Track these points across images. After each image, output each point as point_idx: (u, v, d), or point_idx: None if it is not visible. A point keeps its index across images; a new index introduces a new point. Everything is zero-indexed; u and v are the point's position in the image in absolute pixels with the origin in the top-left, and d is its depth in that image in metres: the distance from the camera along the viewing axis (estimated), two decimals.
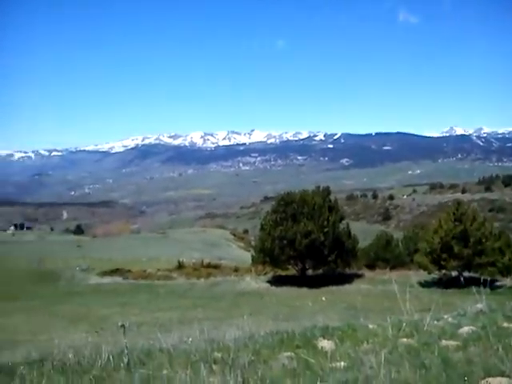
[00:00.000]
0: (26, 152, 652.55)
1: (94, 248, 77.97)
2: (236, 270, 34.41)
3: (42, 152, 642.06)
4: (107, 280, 32.32)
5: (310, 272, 29.83)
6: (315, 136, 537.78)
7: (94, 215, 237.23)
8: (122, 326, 4.19)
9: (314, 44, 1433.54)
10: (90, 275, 35.18)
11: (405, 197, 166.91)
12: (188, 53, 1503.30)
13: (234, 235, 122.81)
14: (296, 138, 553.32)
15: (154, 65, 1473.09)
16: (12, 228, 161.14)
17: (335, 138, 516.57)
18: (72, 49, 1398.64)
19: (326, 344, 4.83)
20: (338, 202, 32.36)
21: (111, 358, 4.17)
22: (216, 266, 37.22)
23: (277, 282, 28.18)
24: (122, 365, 4.04)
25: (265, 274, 31.61)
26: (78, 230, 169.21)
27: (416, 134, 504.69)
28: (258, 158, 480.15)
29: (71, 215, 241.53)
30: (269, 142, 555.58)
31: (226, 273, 33.33)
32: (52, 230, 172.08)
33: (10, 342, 11.03)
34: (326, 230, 27.47)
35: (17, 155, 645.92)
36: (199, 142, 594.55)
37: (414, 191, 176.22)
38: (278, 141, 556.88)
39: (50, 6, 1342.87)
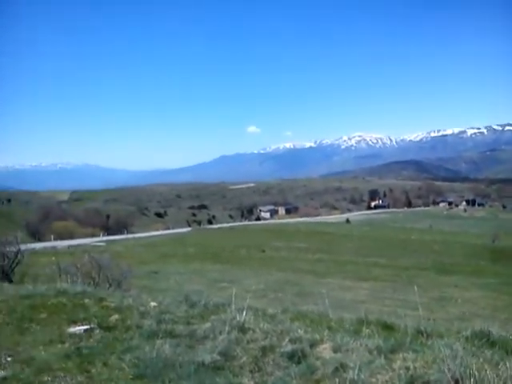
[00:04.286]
0: (478, 128, 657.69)
1: None
2: None
3: (495, 127, 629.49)
4: None
5: None
6: None
7: None
8: None
9: None
10: None
11: None
12: None
13: None
14: None
15: None
16: (464, 204, 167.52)
17: None
18: None
19: None
20: None
21: None
22: None
23: None
24: None
25: None
26: None
27: None
28: None
29: None
30: None
31: None
32: (504, 207, 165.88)
33: (472, 314, 11.51)
34: None
35: (469, 132, 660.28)
36: None
37: None
38: None
39: None
